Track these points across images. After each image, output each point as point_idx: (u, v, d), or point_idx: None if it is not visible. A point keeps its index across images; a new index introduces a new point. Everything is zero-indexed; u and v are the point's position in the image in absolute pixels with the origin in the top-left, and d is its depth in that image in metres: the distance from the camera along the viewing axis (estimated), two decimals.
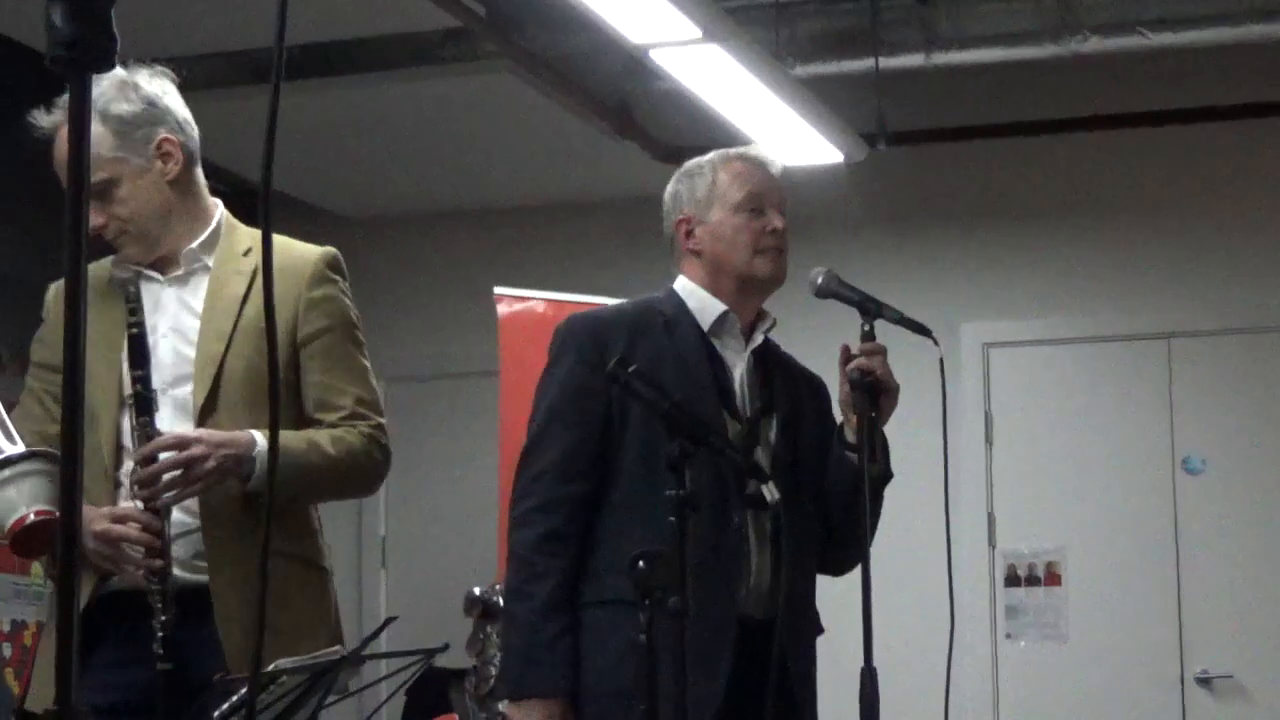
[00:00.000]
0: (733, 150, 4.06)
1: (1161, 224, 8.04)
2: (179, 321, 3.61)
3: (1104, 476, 7.99)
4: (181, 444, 3.44)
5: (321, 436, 3.59)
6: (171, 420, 3.52)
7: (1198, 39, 6.66)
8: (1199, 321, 7.96)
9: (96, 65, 1.76)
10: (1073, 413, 8.08)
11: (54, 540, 3.22)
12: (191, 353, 3.58)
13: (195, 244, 3.65)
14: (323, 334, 3.66)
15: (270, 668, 2.69)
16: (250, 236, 3.70)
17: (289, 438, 3.53)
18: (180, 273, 3.65)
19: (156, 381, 3.48)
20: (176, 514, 3.48)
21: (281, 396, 3.61)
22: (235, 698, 2.71)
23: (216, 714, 2.69)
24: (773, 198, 3.93)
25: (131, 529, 3.40)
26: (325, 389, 3.65)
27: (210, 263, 3.66)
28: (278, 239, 3.64)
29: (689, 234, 3.93)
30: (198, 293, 3.64)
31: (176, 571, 3.44)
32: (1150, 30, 6.61)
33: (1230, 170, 7.98)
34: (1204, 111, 7.76)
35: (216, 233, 3.68)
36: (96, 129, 3.50)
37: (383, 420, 3.71)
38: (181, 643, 3.39)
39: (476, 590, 6.52)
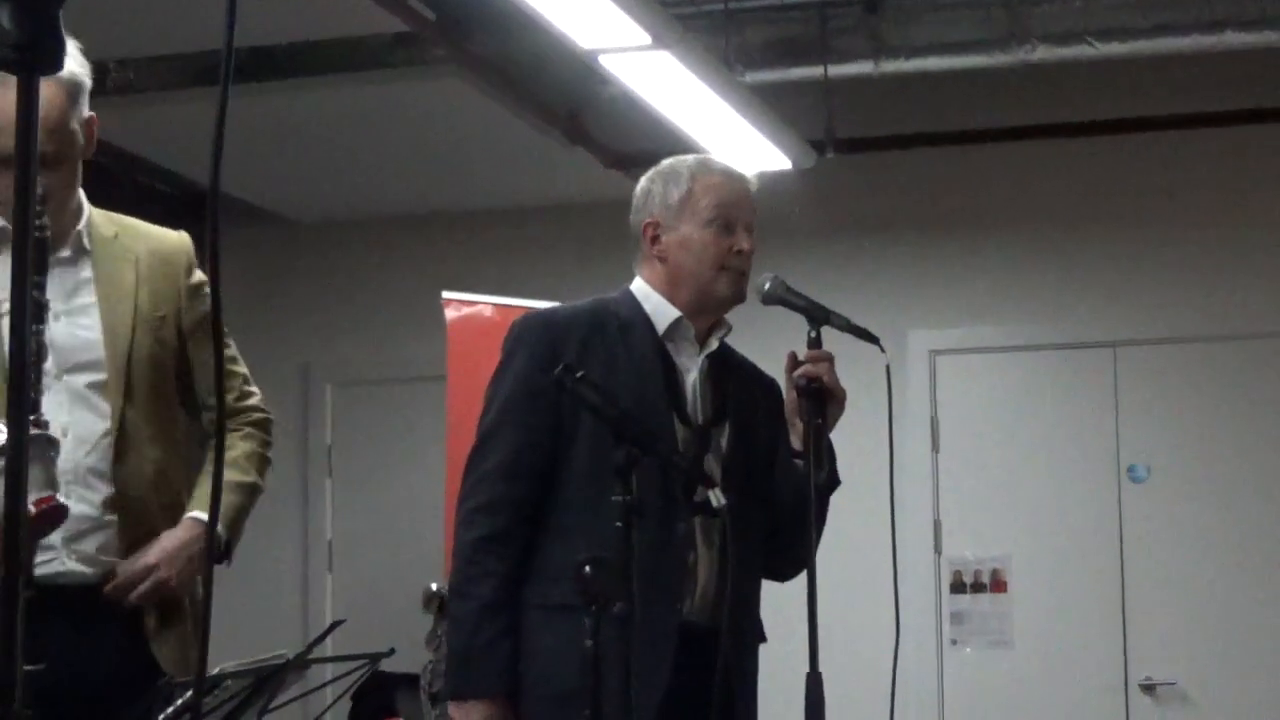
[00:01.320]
0: (714, 161, 4.03)
1: (1108, 233, 8.08)
2: (72, 305, 3.53)
3: (1049, 484, 8.03)
4: (146, 573, 3.49)
5: (240, 461, 3.71)
6: (69, 407, 3.46)
7: (1145, 49, 6.69)
8: (1145, 330, 8.00)
9: (45, 67, 1.76)
10: (1019, 420, 8.12)
11: (54, 524, 3.15)
12: (89, 336, 3.53)
13: (80, 225, 3.58)
14: (205, 319, 3.66)
15: (215, 671, 2.69)
16: (106, 218, 3.64)
17: (223, 491, 3.56)
18: (68, 254, 3.55)
19: (50, 365, 3.38)
20: (82, 507, 3.42)
21: (172, 385, 3.65)
22: (179, 701, 2.70)
23: (161, 718, 2.68)
24: (744, 217, 3.89)
25: None
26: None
27: (88, 245, 3.58)
28: (127, 220, 3.67)
29: (655, 239, 3.90)
30: (87, 276, 3.57)
31: (77, 565, 3.45)
32: (1098, 40, 6.64)
33: (1178, 180, 8.02)
34: (1151, 121, 7.81)
35: (89, 216, 3.62)
36: (54, 91, 3.36)
37: (257, 390, 3.84)
38: (58, 650, 3.30)
39: (434, 585, 6.50)
